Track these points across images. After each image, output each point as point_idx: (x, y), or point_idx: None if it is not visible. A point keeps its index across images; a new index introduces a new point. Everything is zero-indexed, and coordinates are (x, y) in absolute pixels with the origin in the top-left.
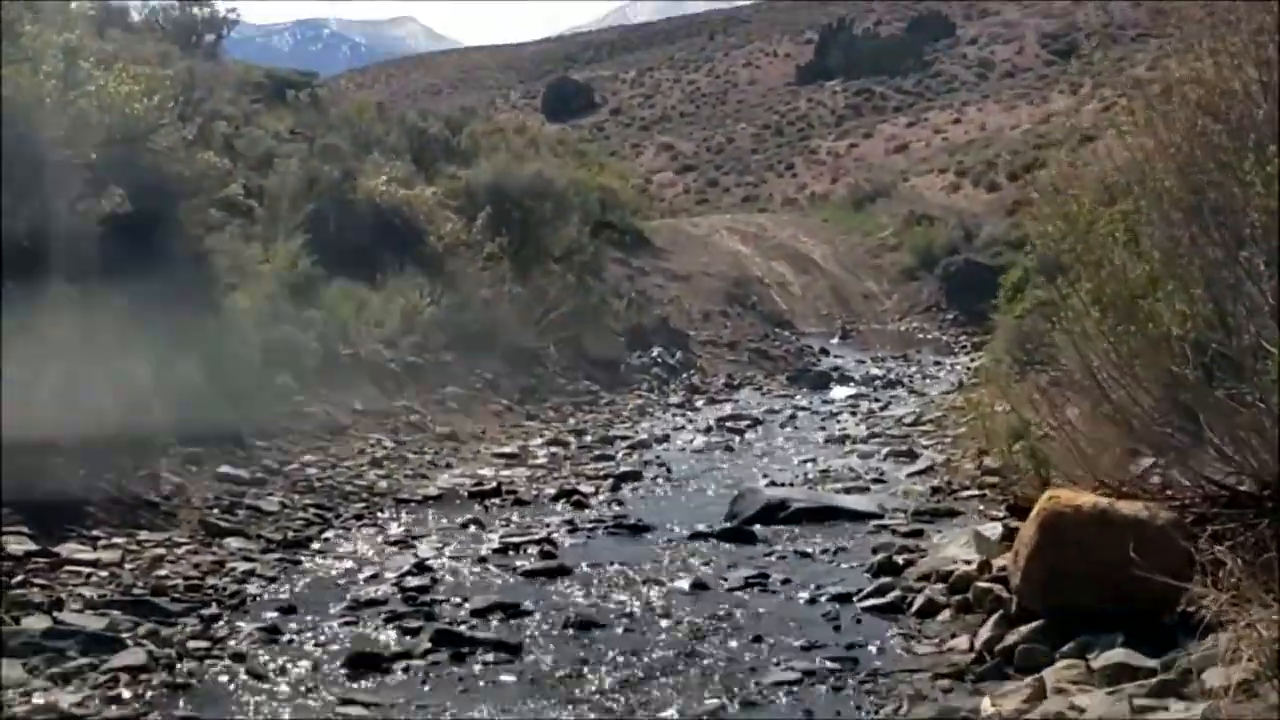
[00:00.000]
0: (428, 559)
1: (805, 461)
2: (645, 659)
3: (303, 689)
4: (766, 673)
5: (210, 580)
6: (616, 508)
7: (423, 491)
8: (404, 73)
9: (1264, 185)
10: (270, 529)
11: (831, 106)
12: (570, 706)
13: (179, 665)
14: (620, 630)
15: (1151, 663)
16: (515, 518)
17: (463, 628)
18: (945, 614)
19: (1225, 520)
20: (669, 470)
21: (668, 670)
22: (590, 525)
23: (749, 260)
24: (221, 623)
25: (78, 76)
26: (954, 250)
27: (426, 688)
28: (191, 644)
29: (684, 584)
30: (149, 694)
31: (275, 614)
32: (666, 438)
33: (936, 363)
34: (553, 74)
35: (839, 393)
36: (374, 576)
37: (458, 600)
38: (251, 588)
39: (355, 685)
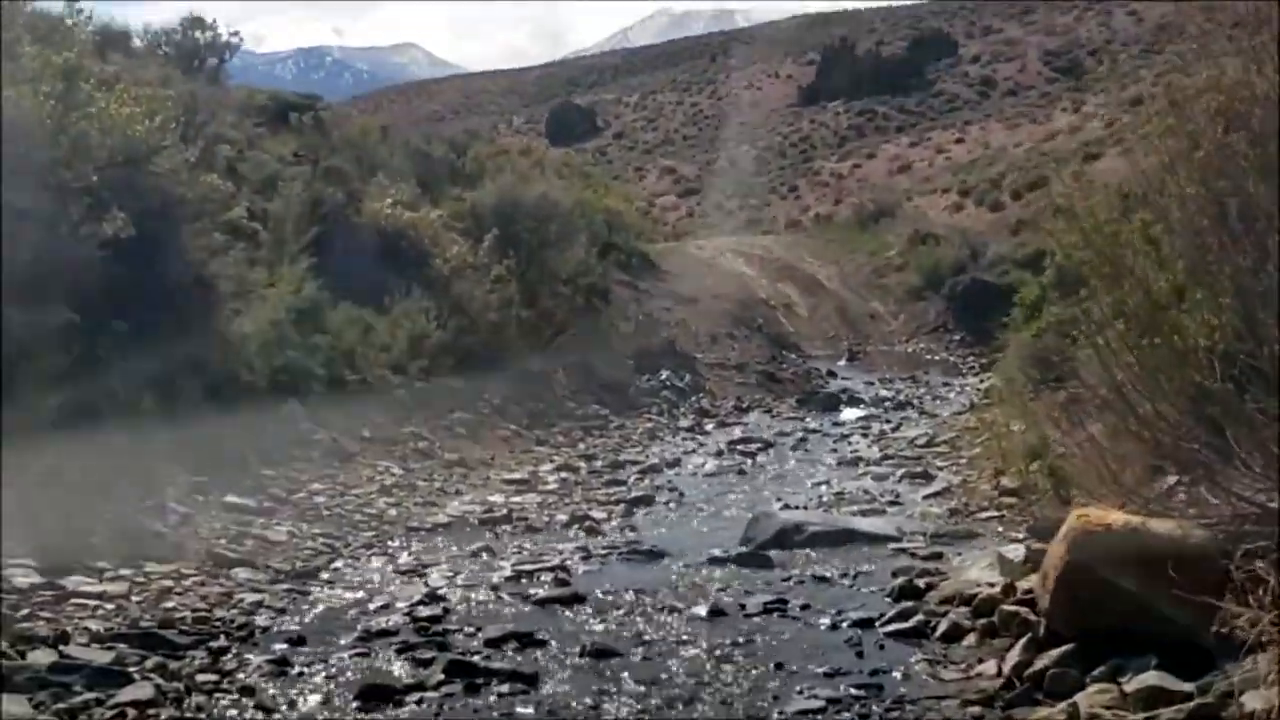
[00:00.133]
0: (439, 588)
1: (819, 484)
2: (665, 689)
3: None
4: (789, 701)
5: (218, 612)
6: (630, 533)
7: (432, 519)
8: (406, 99)
9: None
10: (279, 559)
11: (834, 127)
12: None
13: (187, 699)
14: (638, 659)
15: (1187, 686)
16: (527, 545)
17: (476, 658)
18: (970, 638)
19: (1257, 538)
20: (681, 495)
21: (688, 700)
22: (604, 551)
23: (754, 282)
24: (230, 655)
25: (78, 98)
26: (960, 269)
27: None
28: (200, 677)
29: (701, 610)
30: None
31: (284, 646)
32: (677, 462)
33: (945, 384)
34: (555, 98)
35: (849, 414)
36: (385, 606)
37: (471, 630)
38: (260, 619)
39: (367, 718)
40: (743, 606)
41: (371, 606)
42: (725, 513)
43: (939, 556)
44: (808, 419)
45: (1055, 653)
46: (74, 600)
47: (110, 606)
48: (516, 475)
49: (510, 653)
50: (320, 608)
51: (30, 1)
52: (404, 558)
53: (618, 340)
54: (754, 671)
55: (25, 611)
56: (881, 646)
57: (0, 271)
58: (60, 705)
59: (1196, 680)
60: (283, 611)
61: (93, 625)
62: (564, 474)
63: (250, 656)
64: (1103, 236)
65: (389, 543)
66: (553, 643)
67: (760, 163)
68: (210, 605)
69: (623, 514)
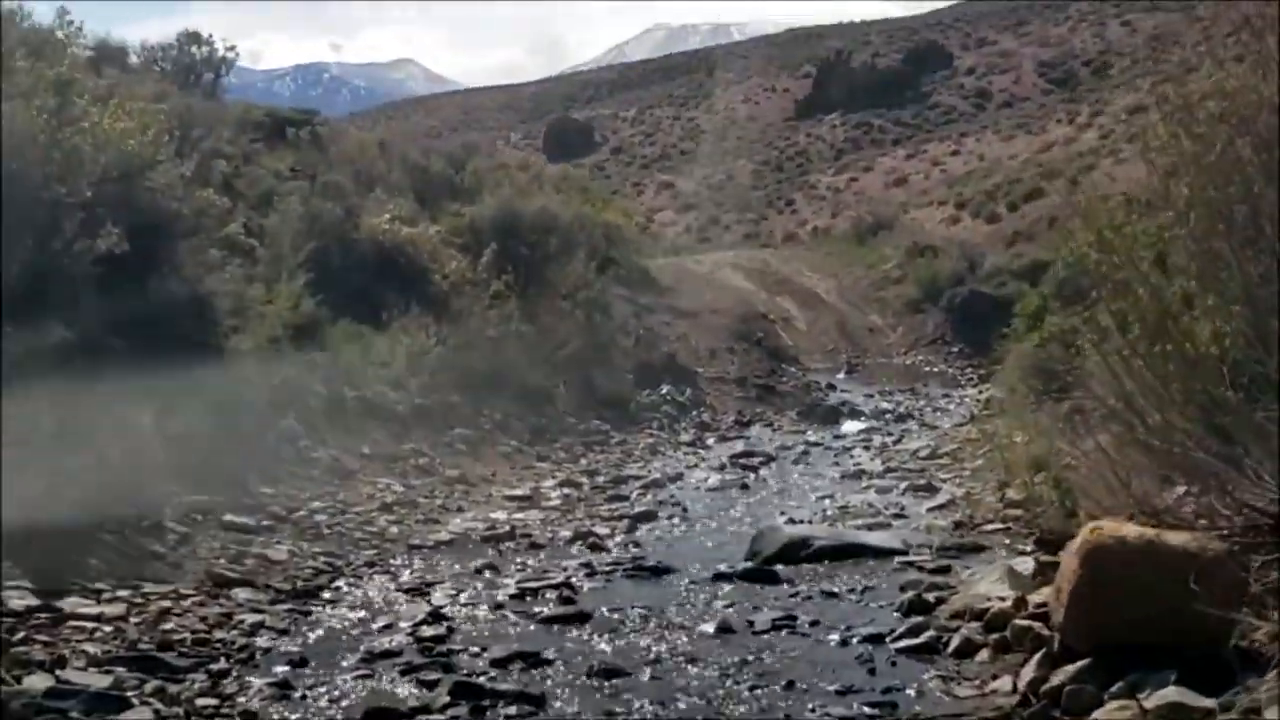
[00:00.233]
0: (443, 607)
1: (823, 498)
2: (674, 708)
3: None
4: None
5: (218, 633)
6: (634, 549)
7: (435, 537)
8: (404, 115)
9: None
10: (279, 578)
11: (830, 140)
12: None
13: None
14: (646, 678)
15: (1208, 702)
16: (531, 562)
17: (482, 679)
18: (984, 654)
19: (1271, 549)
20: (685, 510)
21: None
22: (608, 568)
23: (754, 296)
24: (230, 678)
25: (72, 112)
26: (958, 281)
27: None
28: (200, 701)
29: (709, 627)
30: None
31: (286, 668)
32: (680, 476)
33: (945, 395)
34: (552, 114)
35: (850, 427)
36: (388, 626)
37: (476, 650)
38: (261, 640)
39: None
40: (751, 623)
41: (374, 626)
42: (729, 527)
43: (946, 570)
44: (809, 432)
45: (1071, 668)
46: (71, 623)
47: (108, 629)
48: (518, 491)
49: (517, 673)
50: (322, 628)
51: (22, 2)
52: (406, 576)
53: (618, 355)
54: (765, 690)
55: (21, 635)
56: (893, 663)
57: None
58: None
59: (1218, 696)
60: (284, 632)
61: (90, 648)
62: (566, 490)
63: (252, 679)
64: (1119, 238)
65: (391, 561)
66: (559, 662)
67: (757, 176)
68: (210, 626)
69: (626, 530)
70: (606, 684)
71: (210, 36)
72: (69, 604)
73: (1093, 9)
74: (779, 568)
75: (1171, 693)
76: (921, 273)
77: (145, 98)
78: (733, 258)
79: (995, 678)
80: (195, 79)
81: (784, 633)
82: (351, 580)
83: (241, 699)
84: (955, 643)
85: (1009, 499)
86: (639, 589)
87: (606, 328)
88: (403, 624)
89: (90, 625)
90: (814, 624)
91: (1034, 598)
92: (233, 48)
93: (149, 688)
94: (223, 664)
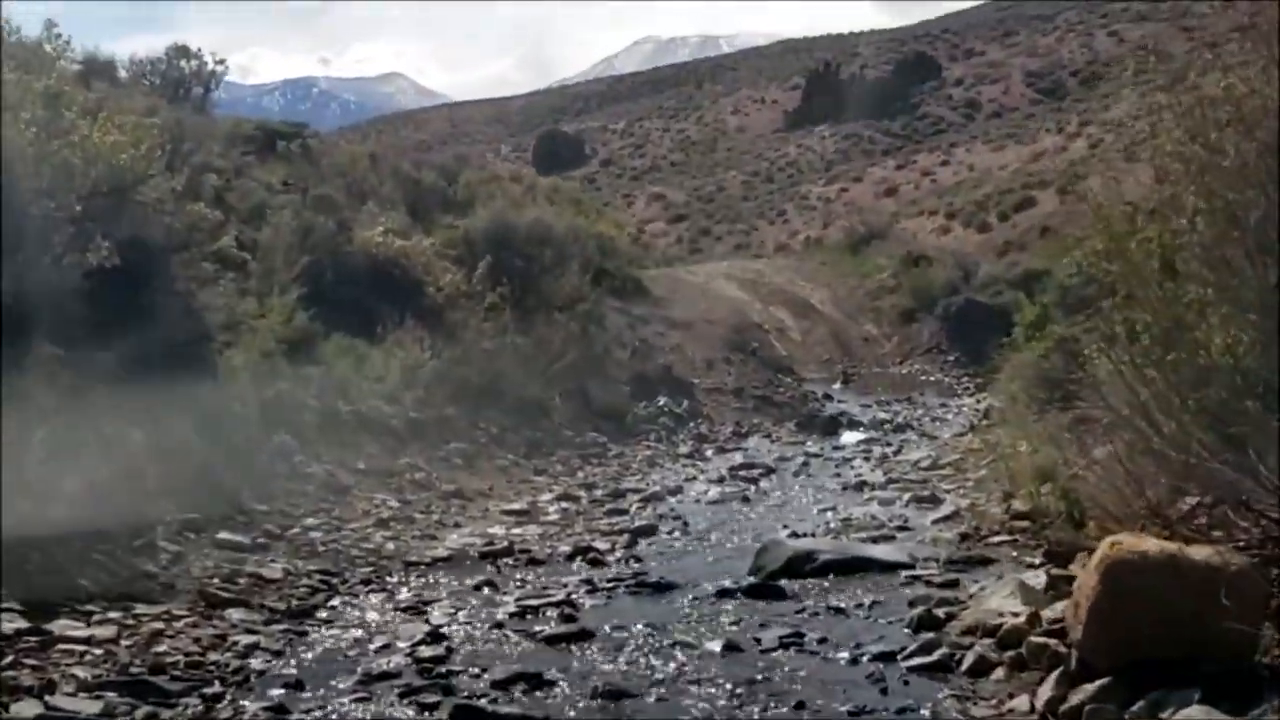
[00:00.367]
0: (441, 626)
1: (825, 510)
2: None
3: None
4: None
5: (212, 655)
6: (635, 565)
7: (432, 553)
8: (394, 129)
9: None
10: (274, 598)
11: (820, 151)
12: None
13: None
14: (653, 700)
15: None
16: (530, 578)
17: (484, 701)
18: (999, 672)
19: None
20: (686, 523)
21: None
22: (610, 584)
23: (748, 307)
24: (225, 702)
25: (61, 125)
26: (953, 290)
27: None
28: None
29: (715, 646)
30: None
31: (282, 691)
32: (679, 489)
33: (942, 405)
34: (542, 127)
35: (849, 438)
36: (385, 647)
37: (476, 671)
38: (256, 662)
39: None
40: (758, 641)
41: (372, 647)
42: (731, 541)
43: (955, 584)
44: (808, 443)
45: (1091, 687)
46: (60, 646)
47: (98, 652)
48: (516, 506)
49: (519, 695)
50: (318, 649)
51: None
52: (403, 594)
53: (614, 367)
54: (774, 711)
55: (10, 659)
56: (906, 682)
57: None
58: None
59: (1244, 713)
60: (279, 654)
61: (80, 673)
62: (564, 504)
63: (246, 703)
64: (1132, 246)
65: (387, 578)
66: (562, 683)
67: (748, 187)
68: (203, 648)
69: (626, 544)
70: (612, 706)
71: (199, 50)
72: (58, 626)
73: (1080, 19)
74: (784, 583)
75: (1196, 711)
76: (915, 282)
77: (135, 111)
78: (726, 268)
79: (1012, 697)
80: (184, 93)
81: (792, 650)
82: (347, 599)
83: None
84: (969, 660)
85: (1015, 510)
86: (642, 606)
87: (602, 339)
88: (401, 644)
89: (80, 648)
90: (822, 641)
91: (1047, 613)
92: (222, 61)
93: (141, 713)
94: (217, 687)
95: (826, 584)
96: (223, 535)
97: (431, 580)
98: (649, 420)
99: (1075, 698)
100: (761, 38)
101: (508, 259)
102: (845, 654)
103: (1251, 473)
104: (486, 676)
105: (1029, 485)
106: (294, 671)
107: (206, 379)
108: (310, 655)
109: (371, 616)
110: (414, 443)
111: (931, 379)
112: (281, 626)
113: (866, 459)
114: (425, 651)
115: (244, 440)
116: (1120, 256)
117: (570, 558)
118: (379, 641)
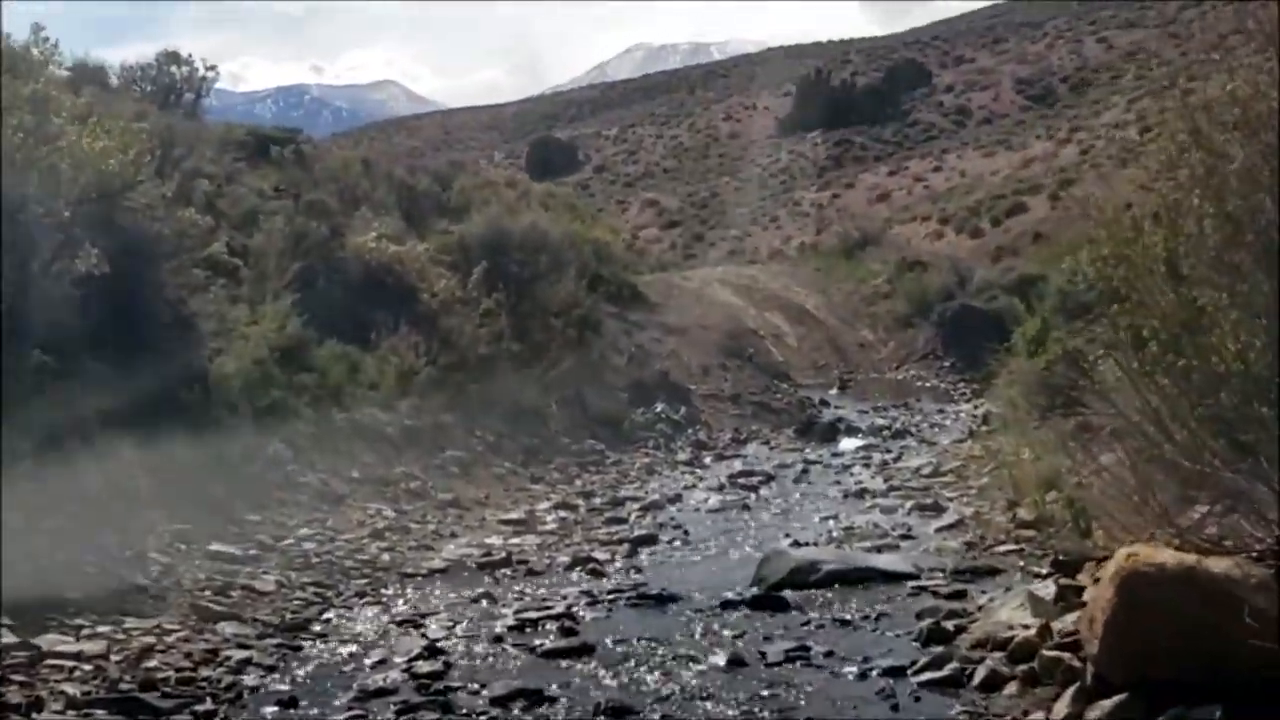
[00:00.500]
0: (439, 639)
1: (827, 518)
2: None
3: None
4: None
5: (204, 671)
6: (635, 575)
7: (428, 564)
8: (386, 136)
9: None
10: (267, 610)
11: (812, 158)
12: None
13: None
14: (656, 717)
15: None
16: (529, 590)
17: (482, 718)
18: (1011, 687)
19: None
20: (686, 532)
21: None
22: (610, 596)
23: (743, 312)
24: None
25: (49, 131)
26: (948, 296)
27: None
28: None
29: (720, 660)
30: None
31: (275, 708)
32: (679, 497)
33: (939, 410)
34: (535, 133)
35: (848, 444)
36: (381, 661)
37: (475, 686)
38: (249, 678)
39: None
40: (763, 655)
41: (367, 662)
42: (733, 551)
43: (962, 595)
44: (807, 450)
45: (1108, 703)
46: (49, 661)
47: (88, 668)
48: (513, 515)
49: (519, 712)
50: (312, 664)
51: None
52: (400, 606)
53: (611, 373)
54: None
55: None
56: (917, 698)
57: None
58: None
59: None
60: (272, 669)
61: (69, 689)
62: (562, 513)
63: None
64: (1139, 252)
65: (383, 591)
66: (563, 700)
67: (741, 194)
68: (195, 664)
69: (626, 554)
70: None
71: (190, 57)
72: (47, 641)
73: (1069, 26)
74: (787, 593)
75: None
76: (911, 287)
77: (125, 117)
78: (720, 273)
79: (1026, 713)
80: (175, 99)
81: (798, 664)
82: (342, 612)
83: None
84: (981, 675)
85: (1020, 519)
86: (643, 618)
87: (598, 345)
88: (397, 659)
89: (69, 664)
90: (829, 655)
91: (1058, 625)
92: (213, 68)
93: None
94: (208, 704)
95: (831, 595)
96: (215, 546)
97: (428, 592)
98: (647, 427)
99: (1092, 714)
100: (753, 45)
101: (503, 265)
102: (853, 668)
103: (1264, 480)
104: (485, 693)
105: (1033, 493)
106: (288, 688)
107: (198, 387)
108: (304, 671)
109: (367, 630)
110: (409, 450)
111: (928, 384)
112: (275, 641)
113: (866, 466)
114: (422, 667)
115: (236, 449)
116: (1126, 262)
117: (569, 568)
118: (375, 656)
